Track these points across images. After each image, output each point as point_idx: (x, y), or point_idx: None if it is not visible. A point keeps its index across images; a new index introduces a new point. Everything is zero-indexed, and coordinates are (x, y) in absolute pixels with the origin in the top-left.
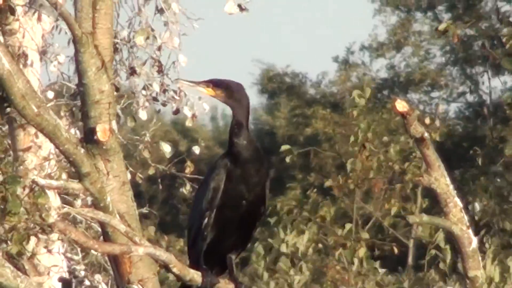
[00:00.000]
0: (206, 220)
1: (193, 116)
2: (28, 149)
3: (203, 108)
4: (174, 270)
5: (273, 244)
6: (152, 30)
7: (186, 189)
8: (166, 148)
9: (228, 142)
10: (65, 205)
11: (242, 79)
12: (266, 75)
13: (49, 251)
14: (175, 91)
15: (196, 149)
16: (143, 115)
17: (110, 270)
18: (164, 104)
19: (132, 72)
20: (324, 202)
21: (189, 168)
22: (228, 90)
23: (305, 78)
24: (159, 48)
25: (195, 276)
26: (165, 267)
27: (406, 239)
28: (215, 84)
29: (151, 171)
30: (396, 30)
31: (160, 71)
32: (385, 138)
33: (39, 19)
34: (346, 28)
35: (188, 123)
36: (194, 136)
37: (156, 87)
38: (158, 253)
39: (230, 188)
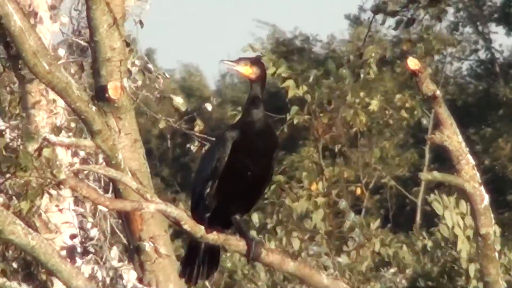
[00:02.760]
0: (208, 189)
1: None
2: (38, 102)
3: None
4: (186, 227)
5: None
6: None
7: (194, 145)
8: (179, 100)
9: (242, 113)
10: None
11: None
12: (274, 38)
13: (60, 210)
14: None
15: (208, 106)
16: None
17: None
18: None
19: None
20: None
21: (198, 126)
22: (261, 67)
23: (315, 40)
24: None
25: (220, 239)
26: (177, 223)
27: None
28: (252, 62)
29: (161, 124)
30: None
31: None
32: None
33: None
34: None
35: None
36: (202, 95)
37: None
38: (170, 209)
39: (236, 160)
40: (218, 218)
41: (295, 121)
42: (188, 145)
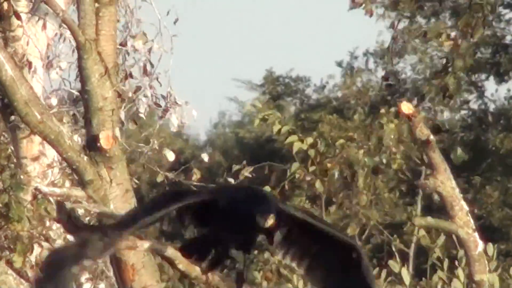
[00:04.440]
0: None
1: (182, 122)
2: (36, 158)
3: (191, 115)
4: (180, 266)
5: None
6: (145, 34)
7: None
8: (170, 156)
9: None
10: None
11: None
12: (270, 78)
13: None
14: (163, 96)
15: (205, 157)
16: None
17: (112, 278)
18: (166, 110)
19: (128, 75)
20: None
21: (195, 175)
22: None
23: (308, 82)
24: (149, 51)
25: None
26: (170, 263)
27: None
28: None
29: (159, 178)
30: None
31: (147, 73)
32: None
33: (43, 26)
34: (346, 33)
35: (173, 129)
36: (196, 144)
37: (148, 93)
38: (164, 248)
39: None
40: None
41: (297, 176)
42: None
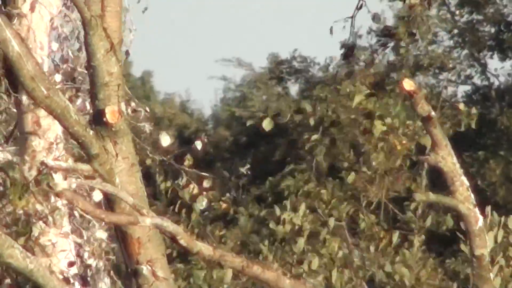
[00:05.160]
0: None
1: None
2: (41, 134)
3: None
4: (182, 242)
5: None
6: None
7: (181, 182)
8: (165, 141)
9: None
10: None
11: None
12: (274, 60)
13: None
14: None
15: (198, 145)
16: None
17: (112, 256)
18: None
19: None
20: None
21: (188, 161)
22: None
23: (313, 62)
24: None
25: (203, 248)
26: (172, 238)
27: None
28: None
29: (148, 161)
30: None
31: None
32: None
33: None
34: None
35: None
36: (200, 118)
37: None
38: (166, 224)
39: None
40: None
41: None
42: (176, 181)
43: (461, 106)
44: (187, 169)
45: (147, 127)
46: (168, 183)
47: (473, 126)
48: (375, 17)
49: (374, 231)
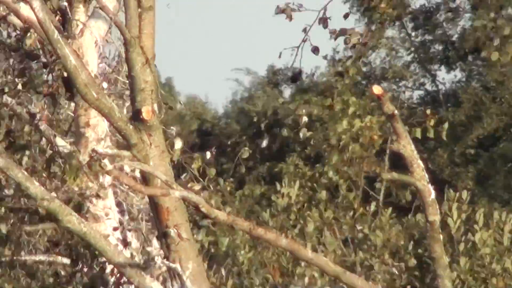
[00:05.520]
0: None
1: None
2: (93, 127)
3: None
4: (203, 209)
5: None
6: None
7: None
8: (177, 145)
9: None
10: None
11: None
12: (271, 70)
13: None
14: None
15: (208, 155)
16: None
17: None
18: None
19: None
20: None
21: (196, 164)
22: None
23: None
24: None
25: (219, 214)
26: (195, 207)
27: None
28: None
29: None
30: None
31: None
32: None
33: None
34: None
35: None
36: (206, 118)
37: None
38: (190, 195)
39: None
40: None
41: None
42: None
43: (428, 111)
44: (192, 171)
45: (173, 128)
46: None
47: (444, 137)
48: (315, 50)
49: (351, 202)
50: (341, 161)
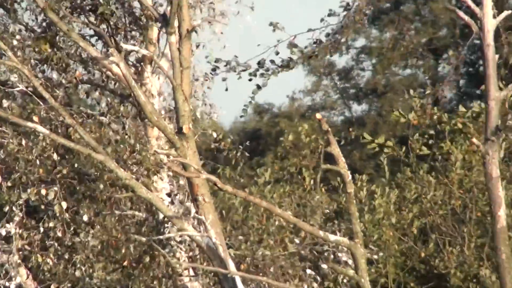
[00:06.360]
0: None
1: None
2: (156, 138)
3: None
4: (218, 185)
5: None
6: None
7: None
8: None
9: None
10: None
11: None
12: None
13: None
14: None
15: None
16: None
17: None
18: None
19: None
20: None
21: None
22: None
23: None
24: None
25: (229, 189)
26: (215, 184)
27: None
28: None
29: None
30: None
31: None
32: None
33: (158, 78)
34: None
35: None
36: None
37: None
38: (211, 177)
39: None
40: None
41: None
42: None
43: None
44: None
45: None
46: None
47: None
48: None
49: (303, 182)
50: (300, 158)
